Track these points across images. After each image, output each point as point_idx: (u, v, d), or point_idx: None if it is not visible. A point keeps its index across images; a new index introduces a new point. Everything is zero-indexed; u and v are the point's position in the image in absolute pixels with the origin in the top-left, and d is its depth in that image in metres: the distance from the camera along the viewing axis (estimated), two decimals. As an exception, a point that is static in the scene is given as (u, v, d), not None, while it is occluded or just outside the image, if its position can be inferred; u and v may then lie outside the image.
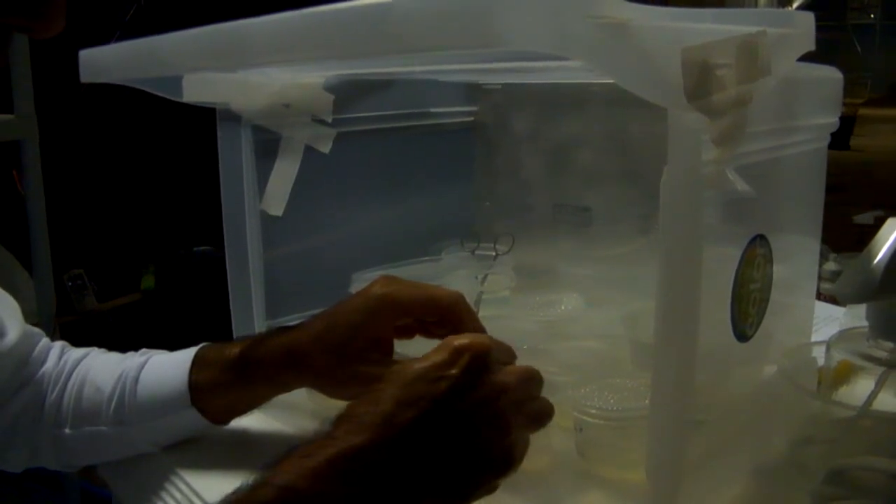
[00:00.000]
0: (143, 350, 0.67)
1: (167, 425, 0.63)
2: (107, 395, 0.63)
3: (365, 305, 0.58)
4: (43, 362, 0.66)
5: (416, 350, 0.62)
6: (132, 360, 0.65)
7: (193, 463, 0.64)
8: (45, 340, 0.68)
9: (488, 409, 0.46)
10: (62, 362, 0.66)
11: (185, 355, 0.63)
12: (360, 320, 0.58)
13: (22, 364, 0.64)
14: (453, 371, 0.45)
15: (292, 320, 0.84)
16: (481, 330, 0.58)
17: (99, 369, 0.65)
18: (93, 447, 0.64)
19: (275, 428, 0.68)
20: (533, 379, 0.49)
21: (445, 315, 0.58)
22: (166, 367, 0.63)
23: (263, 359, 0.60)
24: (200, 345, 0.65)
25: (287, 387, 0.62)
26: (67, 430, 0.63)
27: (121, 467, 0.68)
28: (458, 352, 0.46)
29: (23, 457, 0.65)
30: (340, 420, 0.45)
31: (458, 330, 0.57)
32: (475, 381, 0.46)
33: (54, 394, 0.64)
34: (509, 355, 0.51)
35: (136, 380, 0.63)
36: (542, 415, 0.50)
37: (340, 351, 0.58)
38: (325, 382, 0.60)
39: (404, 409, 0.44)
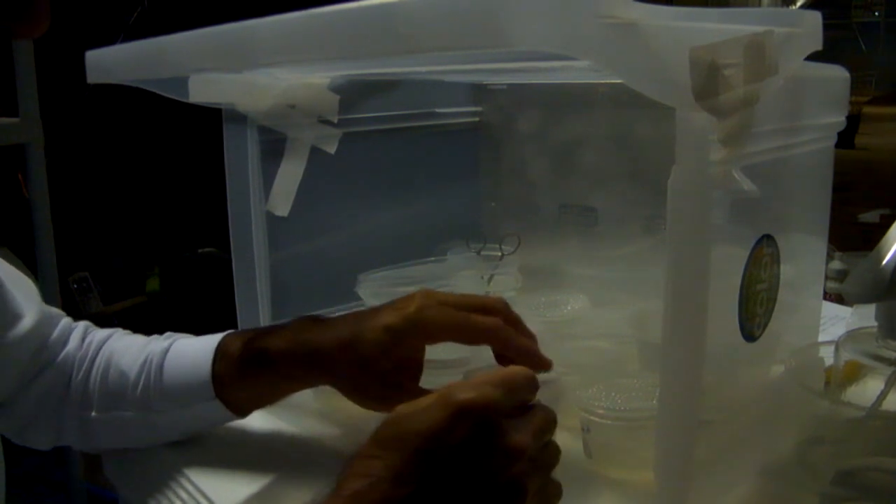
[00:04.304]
0: (168, 334, 0.67)
1: (192, 415, 0.63)
2: (132, 380, 0.63)
3: (396, 325, 0.56)
4: (65, 344, 0.66)
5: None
6: (157, 343, 0.65)
7: (199, 462, 0.64)
8: (65, 321, 0.68)
9: (499, 477, 0.41)
10: (86, 344, 0.66)
11: (208, 344, 0.62)
12: (388, 341, 0.56)
13: (41, 347, 0.64)
14: (452, 440, 0.41)
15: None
16: (527, 352, 0.56)
17: (123, 352, 0.65)
18: (118, 432, 0.64)
19: (280, 428, 0.68)
20: (549, 428, 0.46)
21: (485, 343, 0.56)
22: (190, 356, 0.62)
23: (287, 357, 0.59)
24: (224, 333, 0.64)
25: (310, 384, 0.62)
26: (94, 413, 0.64)
27: (127, 467, 0.68)
28: (458, 414, 0.41)
29: (49, 437, 0.66)
30: (334, 495, 0.41)
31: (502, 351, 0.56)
32: (480, 449, 0.41)
33: (80, 376, 0.64)
34: (529, 389, 0.46)
35: (161, 367, 0.62)
36: (551, 462, 0.46)
37: (365, 365, 0.57)
38: (347, 389, 0.60)
39: (400, 485, 0.40)
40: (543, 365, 0.57)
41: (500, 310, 0.58)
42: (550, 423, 0.46)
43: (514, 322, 0.59)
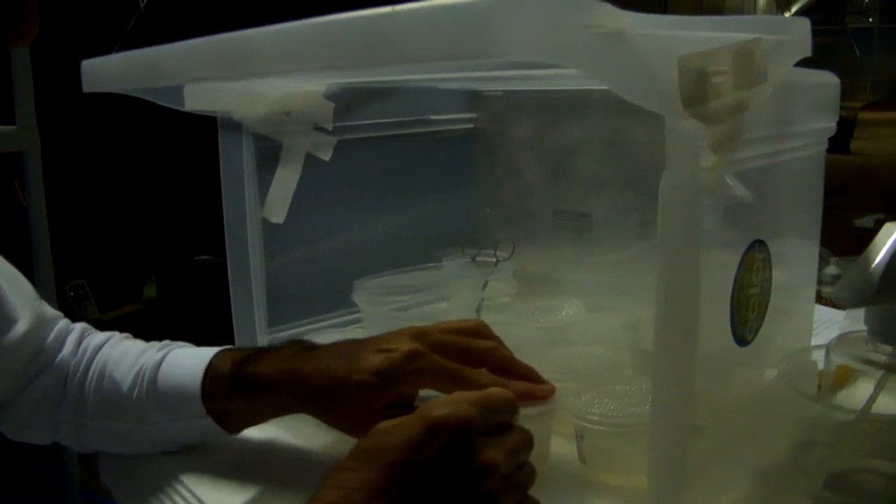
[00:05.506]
0: (165, 342, 0.67)
1: (185, 429, 0.63)
2: (125, 392, 0.63)
3: (384, 371, 0.55)
4: (60, 348, 0.66)
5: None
6: (150, 354, 0.65)
7: (196, 469, 0.64)
8: (62, 324, 0.68)
9: (471, 492, 0.42)
10: (81, 350, 0.67)
11: (200, 361, 0.62)
12: (377, 384, 0.56)
13: (36, 352, 0.64)
14: (427, 454, 0.42)
15: (294, 328, 0.84)
16: (523, 395, 0.55)
17: (117, 362, 0.65)
18: (112, 439, 0.65)
19: (277, 435, 0.68)
20: (524, 449, 0.46)
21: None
22: (182, 372, 0.63)
23: (275, 386, 0.59)
24: (216, 350, 0.64)
25: (298, 412, 0.62)
26: (89, 422, 0.64)
27: (123, 474, 0.68)
28: (433, 429, 0.42)
29: (46, 435, 0.66)
30: None
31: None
32: (453, 464, 0.42)
33: (75, 381, 0.65)
34: (507, 411, 0.47)
35: (154, 381, 0.63)
36: (526, 482, 0.46)
37: (352, 404, 0.57)
38: (334, 423, 0.60)
39: (375, 497, 0.41)
40: (541, 399, 0.58)
41: (491, 357, 0.58)
42: (526, 443, 0.46)
43: (507, 361, 0.59)
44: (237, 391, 0.61)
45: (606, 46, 0.37)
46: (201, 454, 0.66)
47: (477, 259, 0.88)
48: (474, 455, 0.43)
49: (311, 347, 0.62)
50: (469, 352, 0.58)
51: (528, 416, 0.50)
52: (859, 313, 0.52)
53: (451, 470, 0.42)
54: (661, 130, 0.42)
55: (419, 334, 0.57)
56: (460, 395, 0.45)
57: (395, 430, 0.43)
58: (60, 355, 0.66)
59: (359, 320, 0.87)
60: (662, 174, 0.42)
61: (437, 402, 0.44)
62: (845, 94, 0.66)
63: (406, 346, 0.56)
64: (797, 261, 0.66)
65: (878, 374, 0.49)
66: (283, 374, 0.59)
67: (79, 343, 0.67)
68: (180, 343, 0.67)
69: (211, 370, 0.62)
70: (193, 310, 2.36)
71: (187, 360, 0.64)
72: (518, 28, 0.34)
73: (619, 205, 0.81)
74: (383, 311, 0.81)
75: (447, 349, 0.57)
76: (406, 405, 0.57)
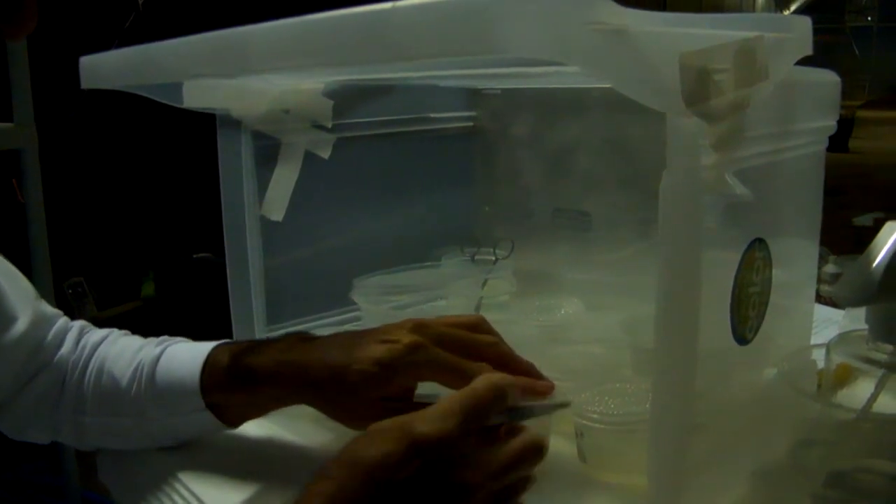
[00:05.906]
0: (163, 338, 0.67)
1: (184, 423, 0.63)
2: (124, 387, 0.63)
3: (385, 361, 0.55)
4: (59, 346, 0.66)
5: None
6: (149, 349, 0.65)
7: (193, 466, 0.64)
8: (61, 322, 0.68)
9: None
10: (80, 347, 0.67)
11: (198, 355, 0.62)
12: (377, 374, 0.55)
13: (35, 350, 0.64)
14: (404, 473, 0.42)
15: (293, 326, 0.84)
16: (522, 390, 0.55)
17: (116, 358, 0.65)
18: (111, 435, 0.65)
19: (274, 432, 0.68)
20: (521, 461, 0.46)
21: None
22: (180, 366, 0.62)
23: (274, 377, 0.59)
24: (214, 344, 0.64)
25: (297, 403, 0.62)
26: (88, 419, 0.64)
27: (121, 471, 0.68)
28: (411, 448, 0.42)
29: (47, 434, 0.66)
30: None
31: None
32: (430, 485, 0.42)
33: (74, 378, 0.65)
34: (500, 401, 0.47)
35: (152, 376, 0.62)
36: (515, 495, 0.46)
37: (352, 394, 0.56)
38: (333, 413, 0.60)
39: None
40: (541, 394, 0.57)
41: (491, 352, 0.58)
42: (524, 455, 0.46)
43: (507, 357, 0.59)
44: (236, 383, 0.60)
45: (608, 43, 0.37)
46: (199, 452, 0.66)
47: (476, 257, 0.88)
48: (454, 475, 0.43)
49: (310, 339, 0.61)
50: (469, 346, 0.58)
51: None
52: (858, 312, 0.52)
53: (430, 488, 0.42)
54: (662, 128, 0.41)
55: (420, 326, 0.57)
56: (446, 406, 0.45)
57: (374, 442, 0.43)
58: (59, 353, 0.66)
59: (357, 318, 0.86)
60: (663, 172, 0.42)
61: (419, 417, 0.44)
62: (844, 93, 0.66)
63: (408, 337, 0.56)
64: (797, 259, 0.66)
65: (879, 373, 0.49)
66: (283, 364, 0.59)
67: (77, 340, 0.67)
68: (178, 338, 0.67)
69: (209, 363, 0.62)
70: (192, 307, 2.36)
71: (185, 355, 0.63)
72: (520, 25, 0.34)
73: (619, 203, 0.81)
74: (382, 310, 0.81)
75: (448, 342, 0.57)
76: (405, 398, 0.57)
